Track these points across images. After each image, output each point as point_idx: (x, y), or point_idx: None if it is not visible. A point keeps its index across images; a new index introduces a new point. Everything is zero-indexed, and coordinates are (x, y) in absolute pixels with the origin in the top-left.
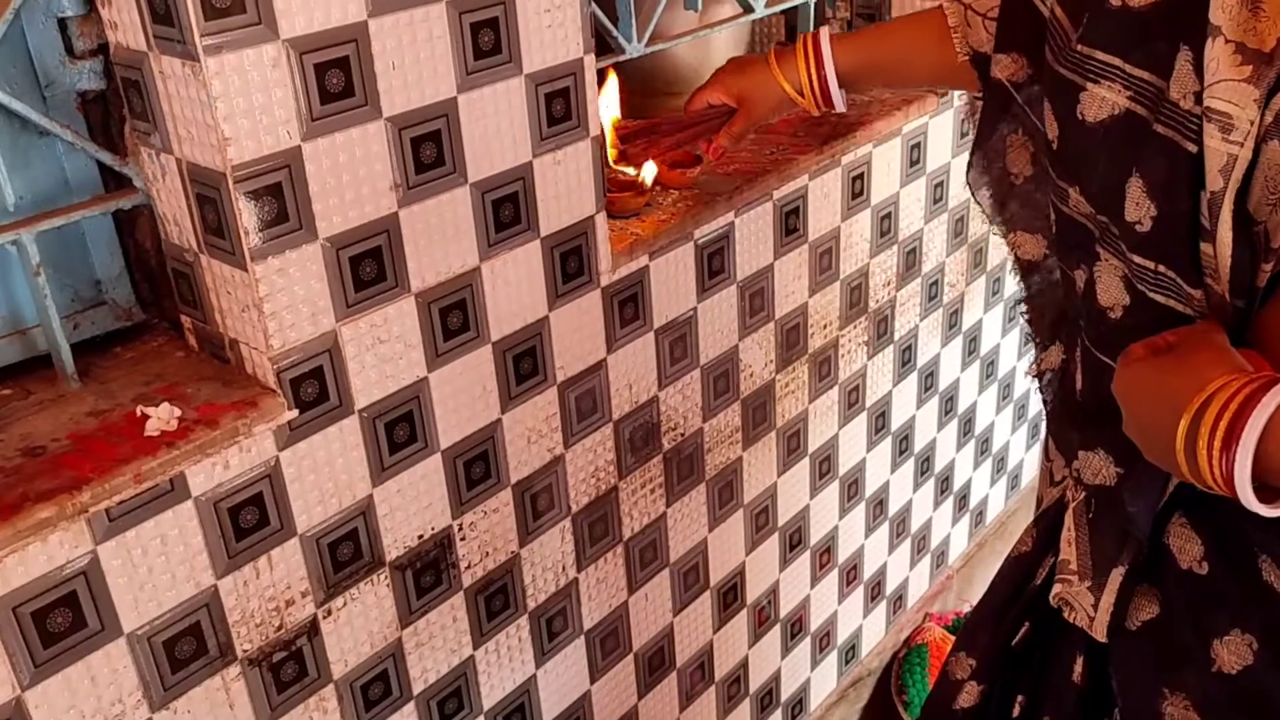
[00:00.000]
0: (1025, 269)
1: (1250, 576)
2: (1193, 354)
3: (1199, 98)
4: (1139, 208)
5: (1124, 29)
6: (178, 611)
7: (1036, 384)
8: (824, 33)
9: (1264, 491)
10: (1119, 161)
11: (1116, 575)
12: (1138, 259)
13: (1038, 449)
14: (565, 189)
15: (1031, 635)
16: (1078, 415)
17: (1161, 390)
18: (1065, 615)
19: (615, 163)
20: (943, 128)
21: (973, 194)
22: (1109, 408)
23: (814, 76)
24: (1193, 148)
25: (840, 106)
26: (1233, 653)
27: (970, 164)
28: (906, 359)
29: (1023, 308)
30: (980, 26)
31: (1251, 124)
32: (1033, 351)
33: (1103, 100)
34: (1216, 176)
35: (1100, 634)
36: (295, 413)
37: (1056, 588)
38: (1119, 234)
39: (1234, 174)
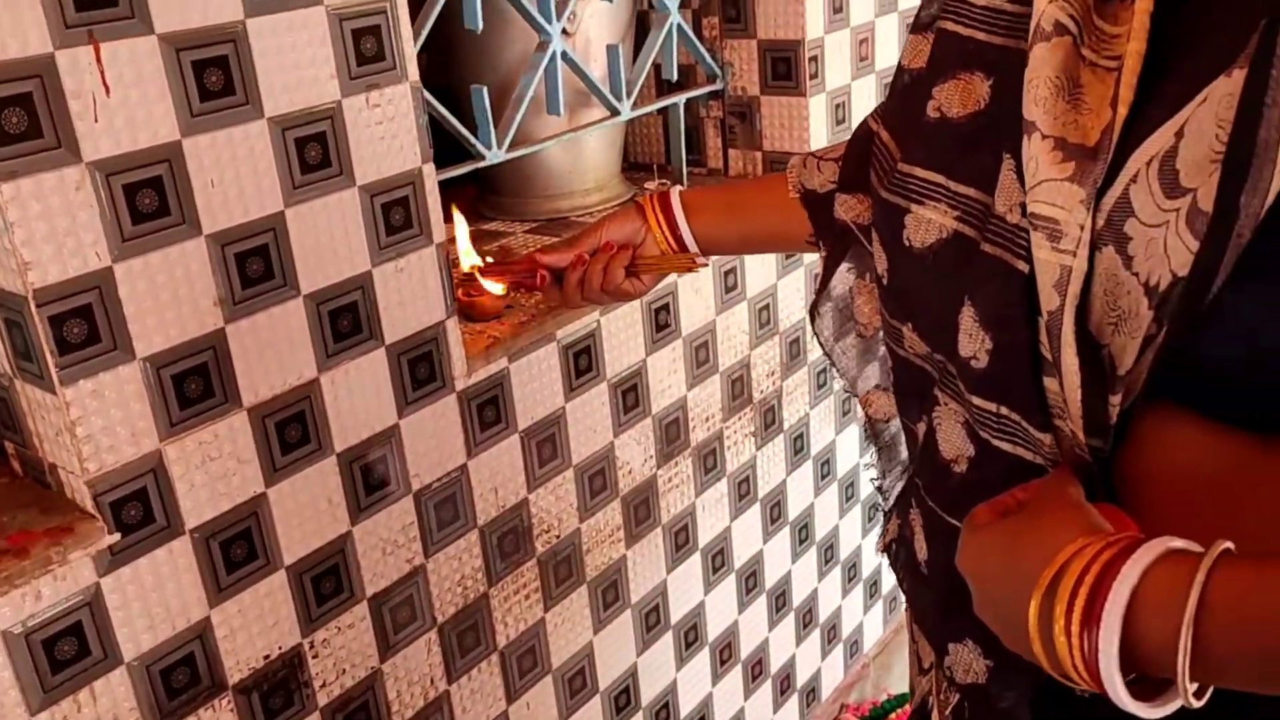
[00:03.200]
0: (878, 430)
1: None
2: (1041, 515)
3: (1024, 208)
4: (973, 340)
5: (944, 143)
6: None
7: (887, 559)
8: (673, 188)
9: (1137, 686)
10: (949, 290)
11: None
12: (977, 401)
13: None
14: (410, 296)
15: None
16: (935, 594)
17: (1010, 561)
18: None
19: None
20: None
21: (822, 347)
22: (966, 585)
23: (655, 200)
24: (1024, 266)
25: (685, 232)
26: None
27: (815, 313)
28: (799, 447)
29: (873, 473)
30: (815, 168)
31: (1081, 228)
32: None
33: (929, 223)
34: (1051, 293)
35: None
36: (116, 537)
37: None
38: (956, 373)
39: (1070, 288)
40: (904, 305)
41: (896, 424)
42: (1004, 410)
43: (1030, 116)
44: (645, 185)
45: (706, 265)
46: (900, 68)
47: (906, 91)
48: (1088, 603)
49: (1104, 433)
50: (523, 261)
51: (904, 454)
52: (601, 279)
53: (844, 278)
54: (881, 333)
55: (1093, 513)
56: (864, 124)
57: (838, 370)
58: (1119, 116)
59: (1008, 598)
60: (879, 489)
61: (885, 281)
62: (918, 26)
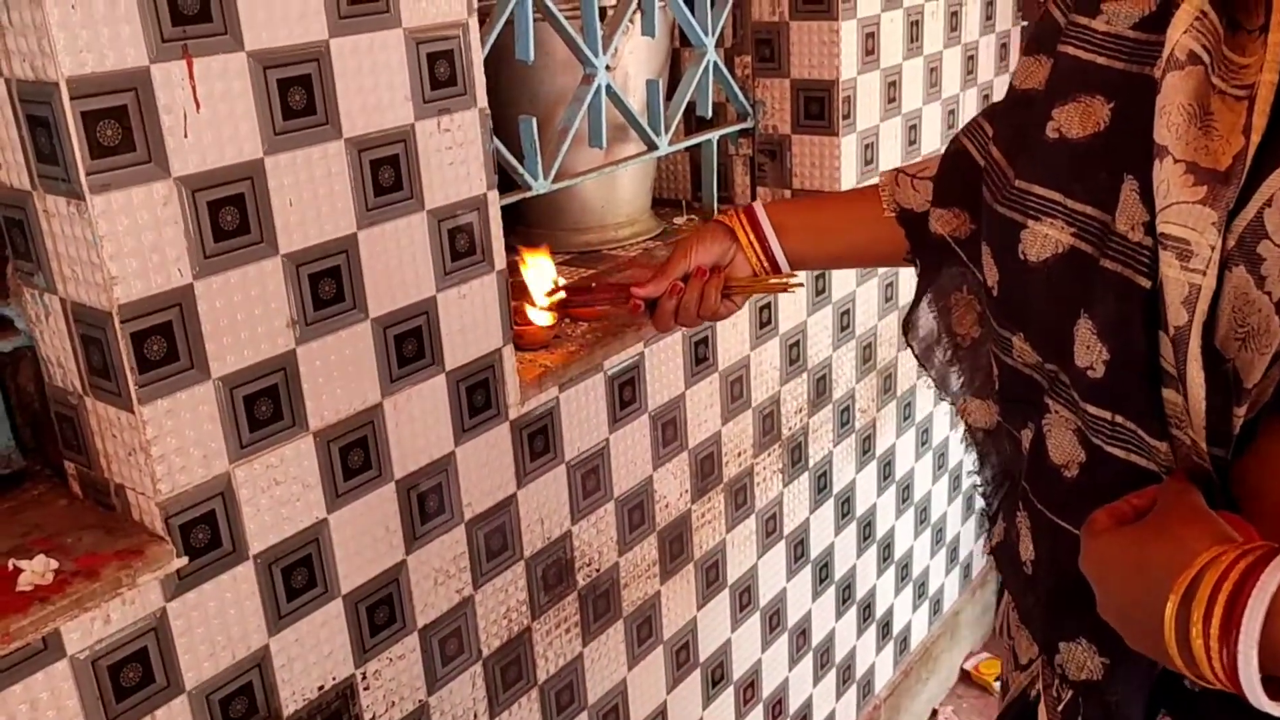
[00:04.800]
0: (976, 438)
1: None
2: (1170, 521)
3: (1148, 228)
4: (1090, 351)
5: (1063, 163)
6: None
7: (993, 562)
8: (756, 204)
9: (1272, 684)
10: (1065, 302)
11: None
12: (1092, 409)
13: (957, 573)
14: (470, 322)
15: None
16: (1041, 594)
17: (1139, 566)
18: None
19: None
20: None
21: (916, 358)
22: (1079, 586)
23: (743, 216)
24: (1146, 283)
25: (779, 255)
26: None
27: (908, 325)
28: (822, 485)
29: (977, 480)
30: (908, 185)
31: (1212, 249)
32: (985, 524)
33: (1045, 238)
34: (1179, 310)
35: None
36: (184, 560)
37: None
38: (1069, 382)
39: (1199, 305)
40: (1015, 316)
41: (998, 432)
42: (1119, 419)
43: (1162, 141)
44: (674, 220)
45: (802, 285)
46: (1012, 87)
47: (1021, 111)
48: (1226, 610)
49: (1226, 442)
50: (609, 290)
51: (999, 460)
52: (698, 305)
53: (939, 287)
54: (980, 346)
55: (1220, 521)
56: (956, 141)
57: (932, 380)
58: (1252, 144)
59: (1138, 601)
60: (982, 495)
61: (996, 293)
62: (1030, 49)
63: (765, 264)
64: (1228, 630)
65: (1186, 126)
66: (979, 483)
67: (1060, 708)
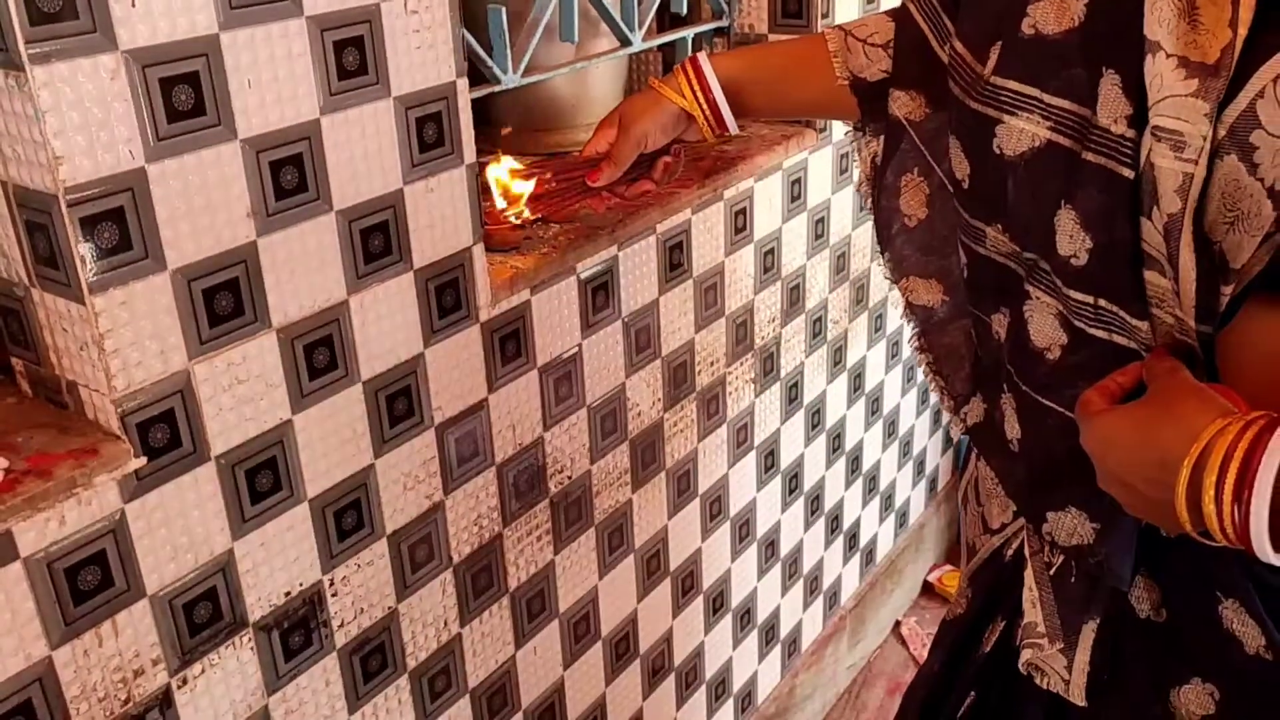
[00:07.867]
0: (919, 316)
1: (1211, 624)
2: (1171, 399)
3: (1131, 120)
4: (1073, 241)
5: (1039, 59)
6: (4, 689)
7: (966, 439)
8: (701, 54)
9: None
10: (1044, 195)
11: (1089, 631)
12: (1075, 294)
13: (923, 486)
14: (439, 218)
15: (981, 703)
16: (1026, 469)
17: (1146, 444)
18: (1038, 681)
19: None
20: (823, 163)
21: (879, 236)
22: (1067, 460)
23: (698, 91)
24: (1129, 173)
25: (731, 125)
26: (1193, 702)
27: (877, 204)
28: (794, 396)
29: (928, 358)
30: (860, 52)
31: (1204, 139)
32: (941, 402)
33: (1021, 132)
34: (1173, 198)
35: (1078, 697)
36: (143, 460)
37: (1025, 654)
38: (1051, 270)
39: (1191, 193)
40: (990, 208)
41: (945, 311)
42: (1103, 302)
43: (1154, 37)
44: None
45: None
46: None
47: (987, 5)
48: (1240, 473)
49: (1212, 319)
50: (572, 187)
51: (949, 341)
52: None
53: (891, 167)
54: (927, 226)
55: (1216, 395)
56: (906, 13)
57: (886, 259)
58: (1239, 37)
59: (1146, 475)
60: (936, 373)
61: (966, 186)
62: None
63: (717, 131)
64: (1240, 491)
65: (1176, 21)
66: (929, 360)
67: (1052, 572)
